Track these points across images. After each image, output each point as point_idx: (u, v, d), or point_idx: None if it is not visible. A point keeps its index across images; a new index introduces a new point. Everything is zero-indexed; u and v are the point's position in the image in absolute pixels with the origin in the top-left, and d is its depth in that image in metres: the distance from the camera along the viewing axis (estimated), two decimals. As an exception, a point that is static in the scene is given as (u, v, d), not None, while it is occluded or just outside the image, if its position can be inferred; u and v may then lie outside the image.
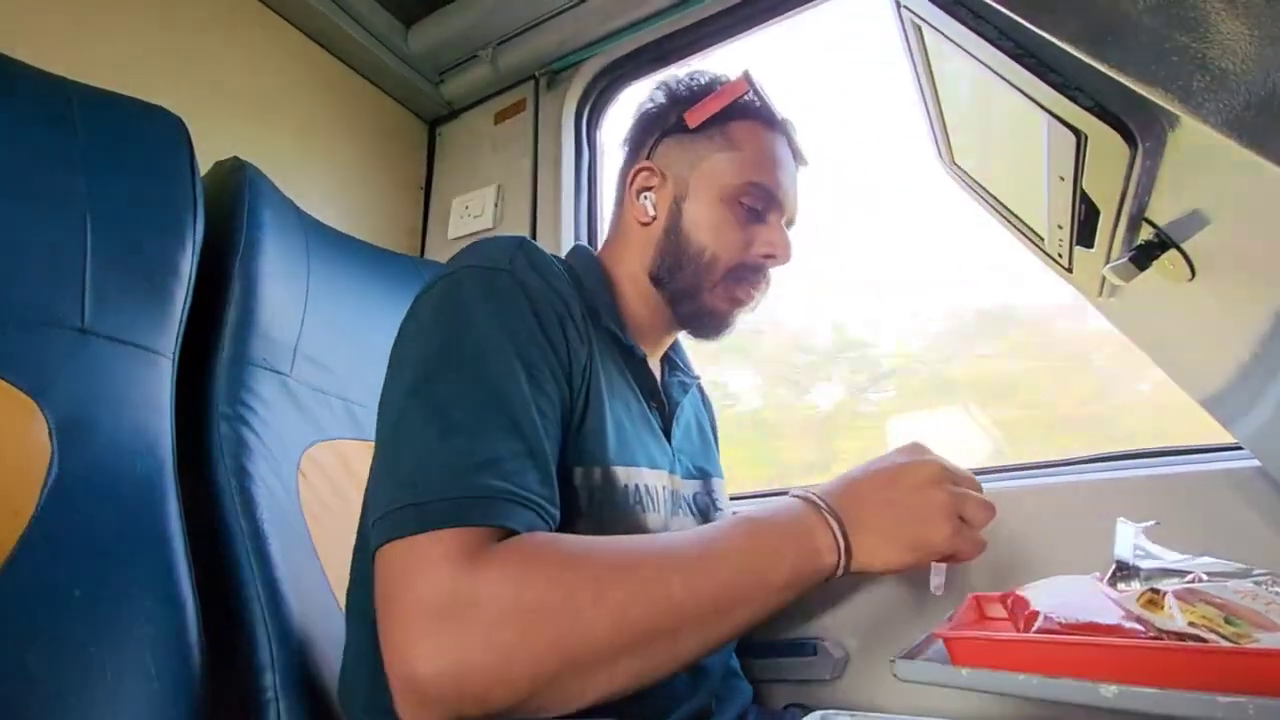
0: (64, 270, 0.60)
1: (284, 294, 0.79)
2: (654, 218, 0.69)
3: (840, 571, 0.48)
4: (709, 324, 0.70)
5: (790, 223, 0.71)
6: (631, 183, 0.71)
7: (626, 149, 0.75)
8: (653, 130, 0.71)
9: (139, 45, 0.99)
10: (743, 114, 0.69)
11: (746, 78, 0.69)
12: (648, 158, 0.70)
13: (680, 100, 0.70)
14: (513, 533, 0.45)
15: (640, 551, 0.46)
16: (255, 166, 0.82)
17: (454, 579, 0.41)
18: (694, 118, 0.68)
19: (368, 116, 1.37)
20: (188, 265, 0.69)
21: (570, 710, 0.43)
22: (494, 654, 0.40)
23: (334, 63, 1.31)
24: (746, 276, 0.68)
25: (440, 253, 1.39)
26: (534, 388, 0.52)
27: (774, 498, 0.52)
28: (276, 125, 1.18)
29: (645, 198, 0.69)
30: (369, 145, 1.36)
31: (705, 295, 0.68)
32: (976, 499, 0.51)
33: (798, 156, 0.73)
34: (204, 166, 0.75)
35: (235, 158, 0.83)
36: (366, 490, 0.60)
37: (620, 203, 0.74)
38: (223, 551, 0.63)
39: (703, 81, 0.71)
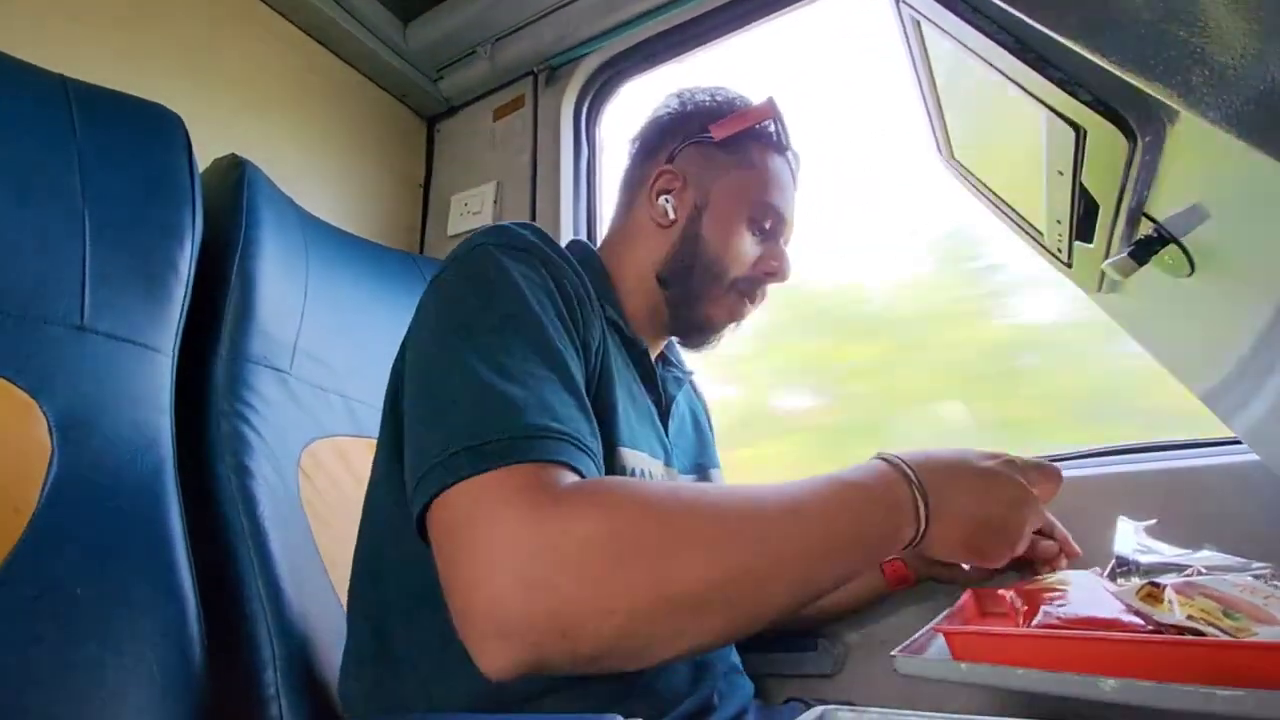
0: (62, 267, 0.60)
1: (283, 291, 0.79)
2: (673, 220, 0.71)
3: (913, 545, 0.48)
4: (699, 333, 0.72)
5: (787, 243, 0.75)
6: (652, 184, 0.72)
7: (637, 149, 0.77)
8: (674, 136, 0.74)
9: (137, 42, 0.99)
10: (762, 137, 0.72)
11: (772, 104, 0.72)
12: (669, 161, 0.72)
13: (704, 112, 0.73)
14: (579, 473, 0.44)
15: (730, 495, 0.45)
16: (253, 163, 0.81)
17: (537, 510, 0.39)
18: (719, 132, 0.71)
19: (366, 113, 1.37)
20: (186, 262, 0.69)
21: (654, 661, 0.41)
22: (588, 585, 0.38)
23: (332, 59, 1.31)
24: (747, 290, 0.71)
25: (439, 250, 1.39)
26: (567, 352, 0.52)
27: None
28: (275, 122, 1.18)
29: (665, 200, 0.71)
30: (367, 142, 1.36)
31: (707, 303, 0.70)
32: (1030, 533, 0.54)
33: (795, 183, 0.77)
34: (202, 164, 0.75)
35: (233, 155, 0.82)
36: (375, 466, 0.60)
37: (631, 201, 0.75)
38: (223, 549, 0.63)
39: (727, 97, 0.74)
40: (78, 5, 0.92)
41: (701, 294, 0.70)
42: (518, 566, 0.38)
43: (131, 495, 0.58)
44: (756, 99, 0.74)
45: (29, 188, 0.60)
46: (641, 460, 0.62)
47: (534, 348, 0.49)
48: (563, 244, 0.65)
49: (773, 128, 0.72)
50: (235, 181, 0.78)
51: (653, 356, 0.74)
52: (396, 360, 0.59)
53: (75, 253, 0.61)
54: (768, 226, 0.71)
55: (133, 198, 0.67)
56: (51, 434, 0.55)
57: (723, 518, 0.42)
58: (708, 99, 0.74)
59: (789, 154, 0.75)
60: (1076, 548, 0.61)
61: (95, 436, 0.57)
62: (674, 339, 0.76)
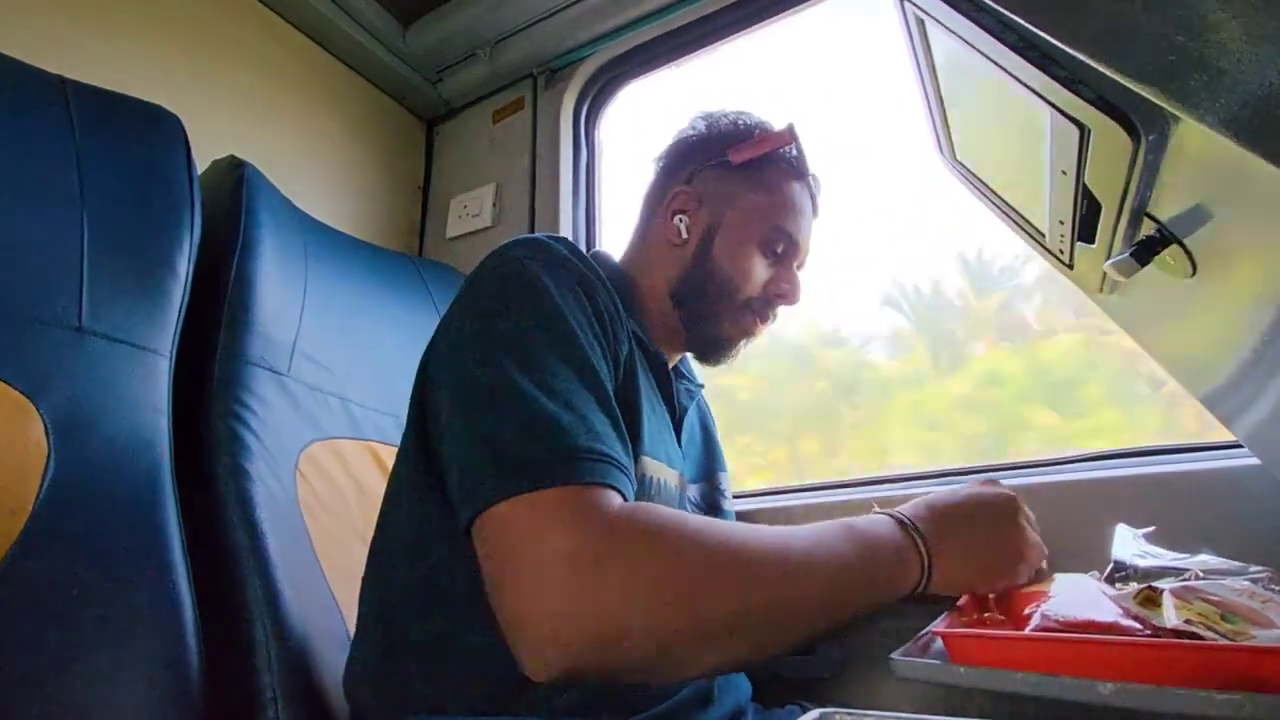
0: (60, 269, 0.60)
1: (282, 293, 0.79)
2: (685, 240, 0.73)
3: (920, 589, 0.51)
4: (715, 349, 0.74)
5: (800, 267, 0.76)
6: (669, 204, 0.74)
7: (661, 168, 0.78)
8: (694, 158, 0.75)
9: (136, 43, 0.99)
10: (781, 162, 0.73)
11: (791, 130, 0.73)
12: (686, 182, 0.74)
13: (725, 135, 0.75)
14: (619, 494, 0.46)
15: (761, 536, 0.48)
16: (253, 165, 0.81)
17: (588, 530, 0.42)
18: (738, 156, 0.72)
19: (366, 115, 1.37)
20: (185, 264, 0.69)
21: (682, 678, 0.45)
22: (630, 604, 0.41)
23: (332, 61, 1.31)
24: (758, 310, 0.73)
25: (438, 252, 1.39)
26: (603, 372, 0.54)
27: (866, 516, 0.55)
28: (274, 124, 1.18)
29: (680, 220, 0.73)
30: (367, 144, 1.36)
31: (720, 321, 0.72)
32: (1036, 538, 0.57)
33: (815, 210, 0.78)
34: (201, 165, 0.75)
35: (232, 156, 0.82)
36: (398, 465, 0.60)
37: (650, 218, 0.77)
38: (221, 551, 0.63)
39: (749, 122, 0.75)
40: (77, 5, 0.93)
41: (714, 313, 0.71)
42: (567, 584, 0.41)
43: (129, 497, 0.58)
44: (779, 123, 0.75)
45: (27, 188, 0.60)
46: (660, 470, 0.63)
47: (574, 366, 0.51)
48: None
49: (792, 153, 0.73)
50: (234, 183, 0.78)
51: (669, 368, 0.75)
52: (423, 363, 0.59)
53: (73, 254, 0.61)
54: (780, 250, 0.72)
55: (131, 199, 0.67)
56: (49, 435, 0.54)
57: (753, 556, 0.46)
58: (730, 123, 0.75)
59: (809, 179, 0.76)
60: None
61: (93, 438, 0.57)
62: (689, 354, 0.78)
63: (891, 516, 0.53)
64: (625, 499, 0.47)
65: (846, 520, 0.52)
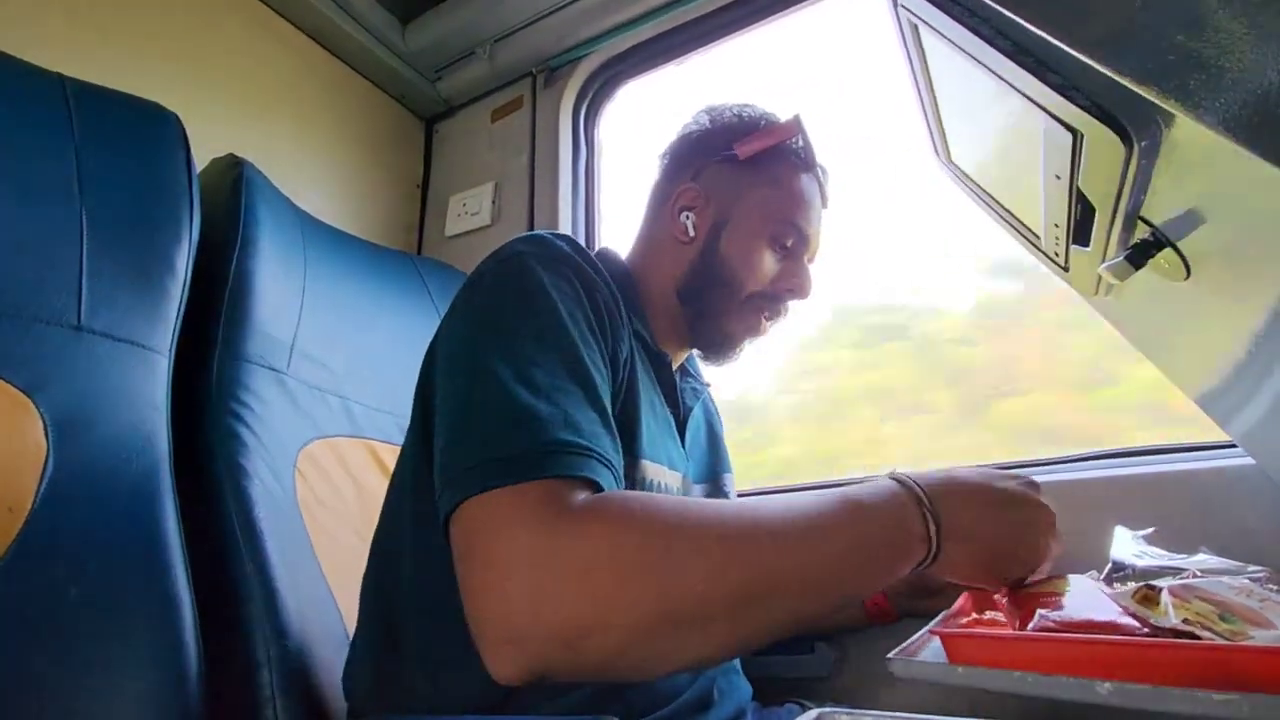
0: (59, 267, 0.60)
1: (280, 291, 0.79)
2: (692, 238, 0.72)
3: (920, 570, 0.48)
4: (720, 347, 0.73)
5: (811, 260, 0.75)
6: (675, 200, 0.73)
7: (667, 164, 0.78)
8: (700, 153, 0.75)
9: (135, 41, 0.99)
10: (788, 154, 0.72)
11: (797, 122, 0.72)
12: (693, 179, 0.74)
13: (730, 129, 0.74)
14: (597, 488, 0.45)
15: (737, 514, 0.45)
16: (252, 163, 0.81)
17: (551, 524, 0.41)
18: (744, 150, 0.71)
19: (365, 114, 1.37)
20: (184, 262, 0.69)
21: (658, 674, 0.43)
22: (593, 599, 0.40)
23: (331, 60, 1.31)
24: (766, 306, 0.72)
25: (437, 250, 1.39)
26: (595, 367, 0.53)
27: (872, 480, 0.50)
28: (273, 122, 1.18)
29: (686, 216, 0.72)
30: (366, 142, 1.36)
31: (726, 318, 0.71)
32: (1058, 533, 0.53)
33: (825, 201, 0.77)
34: (200, 163, 0.75)
35: (231, 154, 0.82)
36: (401, 462, 0.60)
37: (656, 215, 0.76)
38: (219, 549, 0.63)
39: (753, 115, 0.74)
40: (76, 4, 0.92)
41: (719, 310, 0.70)
42: (527, 579, 0.40)
43: (127, 495, 0.58)
44: (784, 115, 0.74)
45: (26, 186, 0.59)
46: (660, 473, 0.63)
47: (563, 362, 0.50)
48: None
49: (799, 145, 0.73)
50: (233, 181, 0.78)
51: (674, 368, 0.74)
52: (425, 361, 0.59)
53: (72, 252, 0.61)
54: (789, 244, 0.71)
55: (130, 197, 0.66)
56: (47, 433, 0.54)
57: (727, 536, 0.43)
58: (734, 116, 0.75)
59: (816, 171, 0.75)
60: None
61: (91, 436, 0.57)
62: (694, 352, 0.77)
63: (904, 485, 0.48)
64: (603, 490, 0.45)
65: (845, 491, 0.47)
